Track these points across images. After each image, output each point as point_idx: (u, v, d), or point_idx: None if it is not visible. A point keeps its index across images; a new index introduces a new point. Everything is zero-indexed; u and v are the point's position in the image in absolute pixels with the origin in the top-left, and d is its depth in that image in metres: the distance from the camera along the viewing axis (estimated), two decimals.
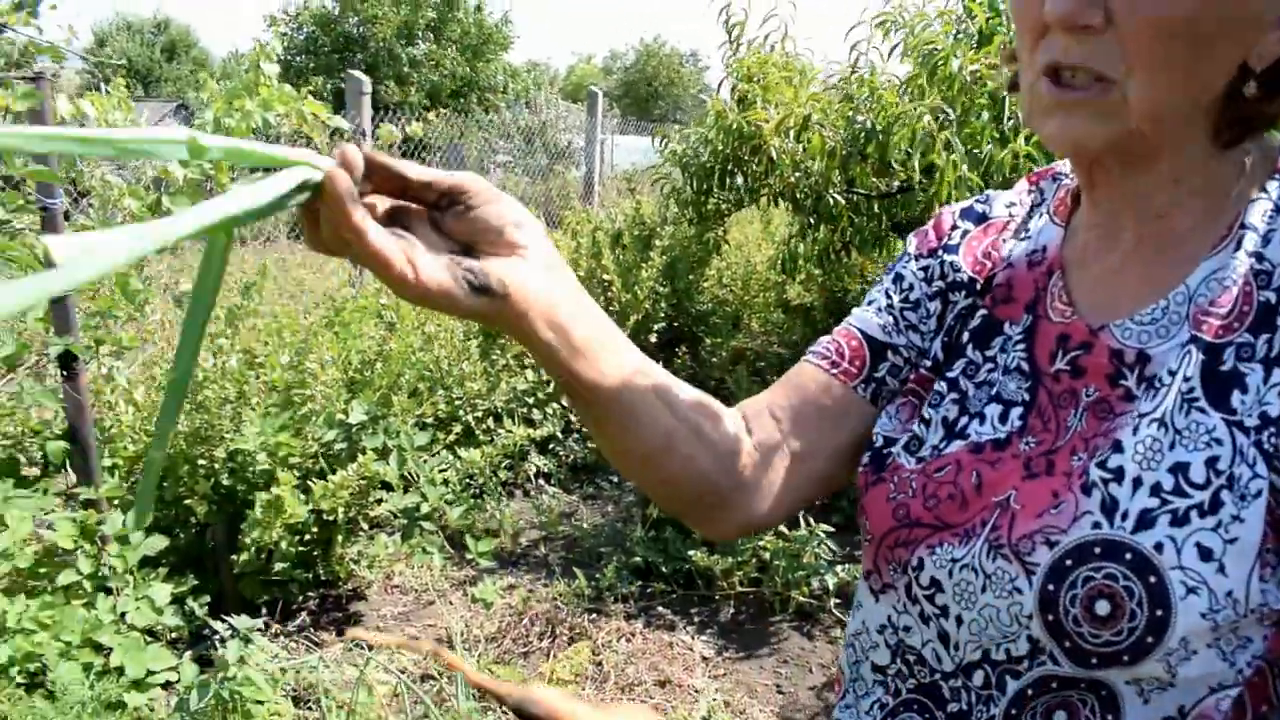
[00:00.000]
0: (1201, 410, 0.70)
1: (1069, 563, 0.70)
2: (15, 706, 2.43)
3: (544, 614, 3.28)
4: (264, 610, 3.16)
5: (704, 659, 3.17)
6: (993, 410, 0.83)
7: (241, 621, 2.63)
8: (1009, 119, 3.53)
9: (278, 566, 3.14)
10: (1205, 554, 0.67)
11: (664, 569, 3.61)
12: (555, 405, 4.57)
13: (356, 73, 5.33)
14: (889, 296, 0.96)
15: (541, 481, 4.57)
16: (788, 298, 6.21)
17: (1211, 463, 0.69)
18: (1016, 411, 0.81)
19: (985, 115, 3.58)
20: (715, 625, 3.39)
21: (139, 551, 2.86)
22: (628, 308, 5.02)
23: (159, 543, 2.91)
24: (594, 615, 3.35)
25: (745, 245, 7.21)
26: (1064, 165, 0.93)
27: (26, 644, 2.54)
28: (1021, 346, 0.84)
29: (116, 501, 3.00)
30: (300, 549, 3.17)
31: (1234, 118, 0.74)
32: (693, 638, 3.28)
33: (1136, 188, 0.78)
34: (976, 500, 0.79)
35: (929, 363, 0.92)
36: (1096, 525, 0.70)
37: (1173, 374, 0.73)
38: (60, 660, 2.57)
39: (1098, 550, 0.70)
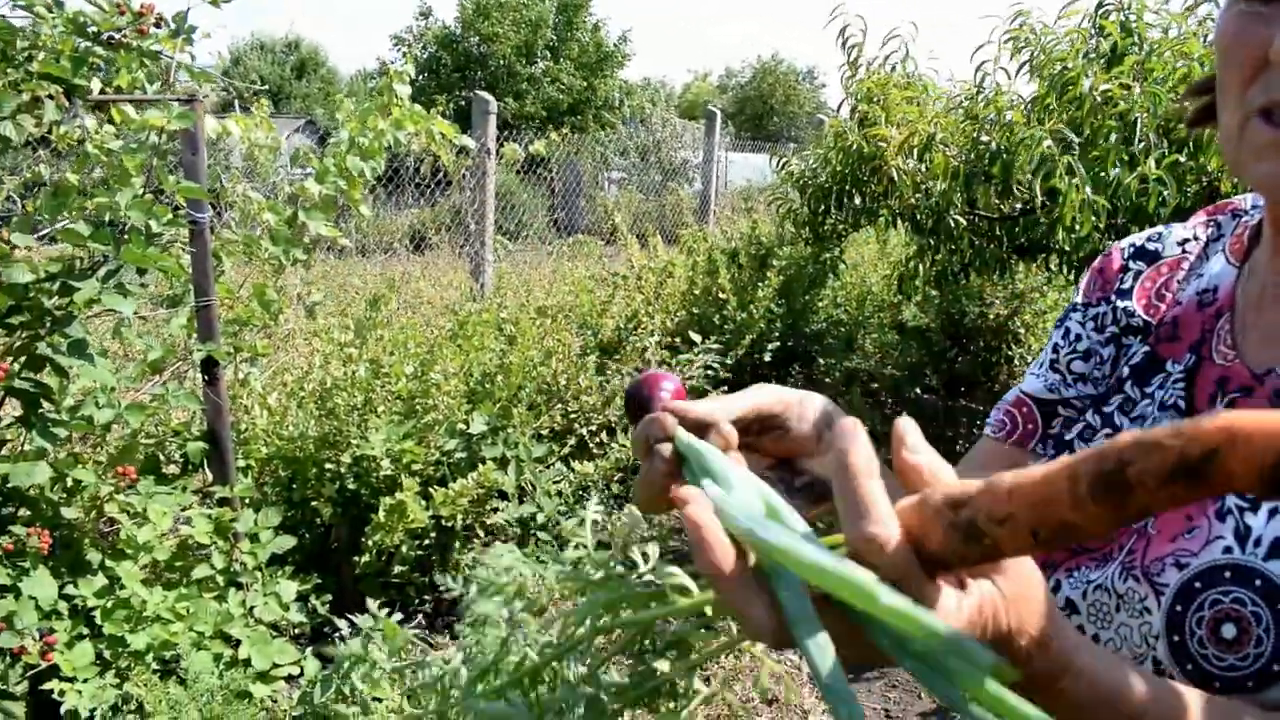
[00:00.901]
0: None
1: (1197, 585, 0.71)
2: (151, 691, 2.56)
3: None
4: (383, 611, 3.27)
5: (811, 679, 3.16)
6: None
7: (364, 620, 2.73)
8: (1139, 141, 3.44)
9: (397, 569, 3.24)
10: None
11: None
12: None
13: (482, 93, 5.49)
14: (1056, 352, 0.96)
15: None
16: (903, 319, 6.14)
17: None
18: None
19: (1113, 137, 3.50)
20: None
21: (268, 549, 3.00)
22: (743, 326, 5.04)
23: (287, 542, 3.04)
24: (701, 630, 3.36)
25: (861, 265, 7.15)
26: (1245, 200, 0.91)
27: (163, 632, 2.68)
28: (1180, 385, 0.83)
29: (248, 501, 3.14)
30: (419, 553, 3.27)
31: None
32: (801, 657, 3.27)
33: None
34: None
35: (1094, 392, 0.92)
36: (1228, 550, 0.71)
37: None
38: (193, 650, 2.71)
39: (1227, 574, 0.70)
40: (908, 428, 0.53)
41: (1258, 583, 0.69)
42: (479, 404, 3.64)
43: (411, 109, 3.74)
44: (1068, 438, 0.91)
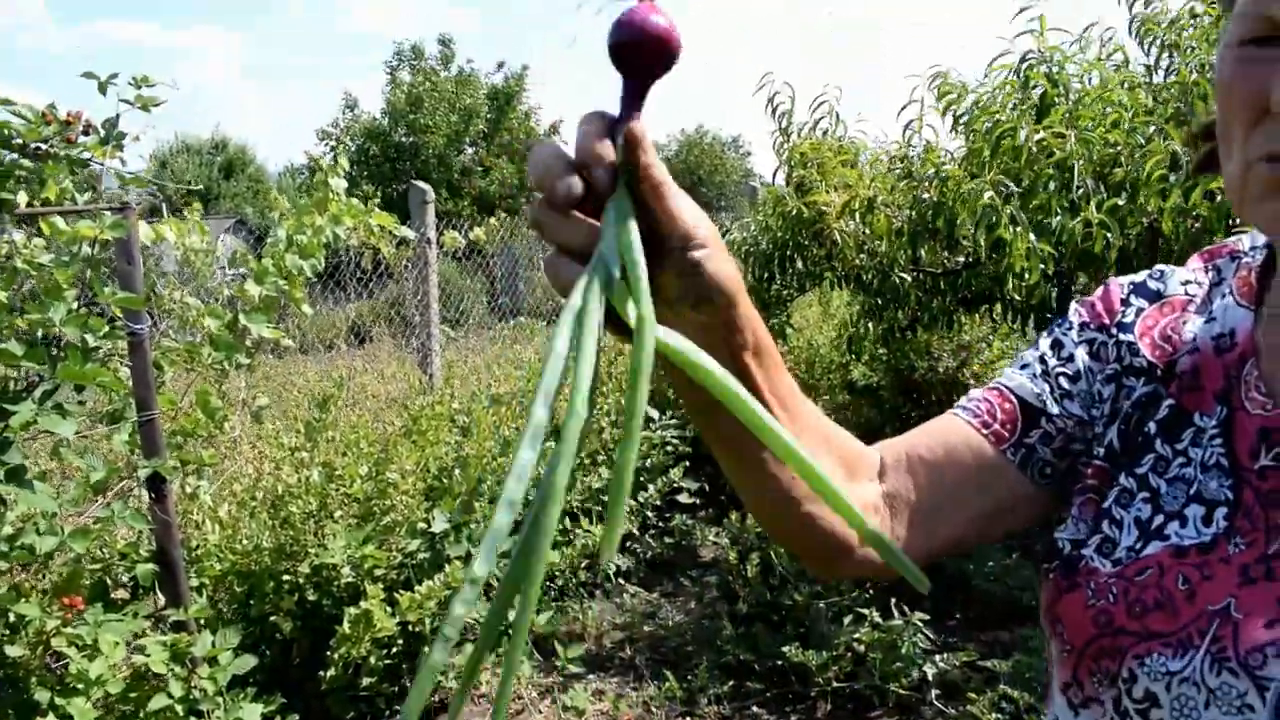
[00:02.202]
0: None
1: None
2: None
3: (636, 719, 3.19)
4: None
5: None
6: (1194, 511, 0.77)
7: None
8: (1078, 188, 3.48)
9: (365, 681, 3.09)
10: None
11: (756, 667, 3.50)
12: (631, 502, 4.52)
13: (419, 183, 5.45)
14: (1044, 362, 0.91)
15: (621, 580, 4.50)
16: (853, 378, 6.14)
17: None
18: (1221, 512, 0.76)
19: (1052, 185, 3.54)
20: None
21: (229, 672, 2.83)
22: None
23: (248, 662, 2.88)
24: (687, 718, 3.25)
25: (807, 328, 7.17)
26: (1242, 242, 0.88)
27: None
28: (1219, 441, 0.78)
29: (204, 622, 2.98)
30: (387, 662, 3.13)
31: None
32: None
33: None
34: (1188, 608, 0.73)
35: (1101, 450, 0.86)
36: None
37: None
38: None
39: None
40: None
41: None
42: (439, 501, 3.53)
43: (349, 203, 3.67)
44: (1105, 505, 0.83)
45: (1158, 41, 3.66)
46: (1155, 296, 0.89)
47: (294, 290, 3.41)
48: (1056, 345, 0.91)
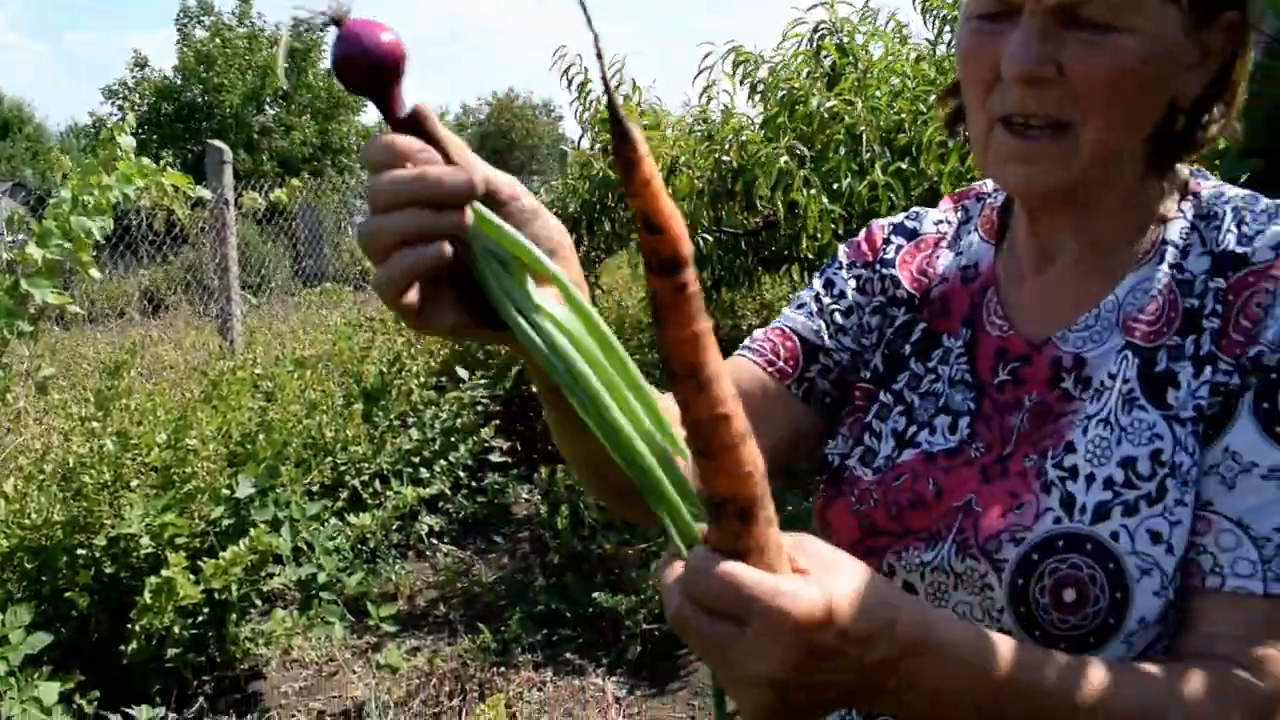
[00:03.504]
0: (1142, 408, 0.78)
1: (1035, 557, 0.77)
2: None
3: (452, 673, 3.24)
4: (158, 700, 3.04)
5: (617, 700, 3.18)
6: (942, 421, 0.89)
7: (140, 712, 2.54)
8: (866, 152, 3.69)
9: (170, 652, 3.03)
10: (1155, 537, 0.75)
11: (568, 614, 3.61)
12: (443, 462, 4.53)
13: (216, 142, 5.24)
14: (819, 301, 1.00)
15: (434, 540, 4.52)
16: None
17: (1155, 455, 0.77)
18: (964, 421, 0.88)
19: (842, 150, 3.74)
20: (625, 665, 3.40)
21: (20, 651, 2.73)
22: (509, 358, 5.03)
23: (41, 640, 2.78)
24: (502, 669, 3.32)
25: (616, 289, 7.28)
26: (987, 185, 1.00)
27: None
28: (964, 360, 0.90)
29: None
30: (193, 632, 3.07)
31: (1166, 149, 0.83)
32: (603, 680, 3.28)
33: (1079, 221, 0.86)
34: (937, 506, 0.85)
35: (868, 374, 0.96)
36: (1058, 520, 0.77)
37: (1113, 377, 0.80)
38: None
39: (1061, 543, 0.76)
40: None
41: (1089, 546, 0.75)
42: (242, 466, 3.46)
43: (139, 162, 3.52)
44: (867, 420, 0.94)
45: (939, 16, 3.88)
46: (912, 235, 1.00)
47: (80, 253, 3.26)
48: (829, 284, 1.01)
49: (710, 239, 4.41)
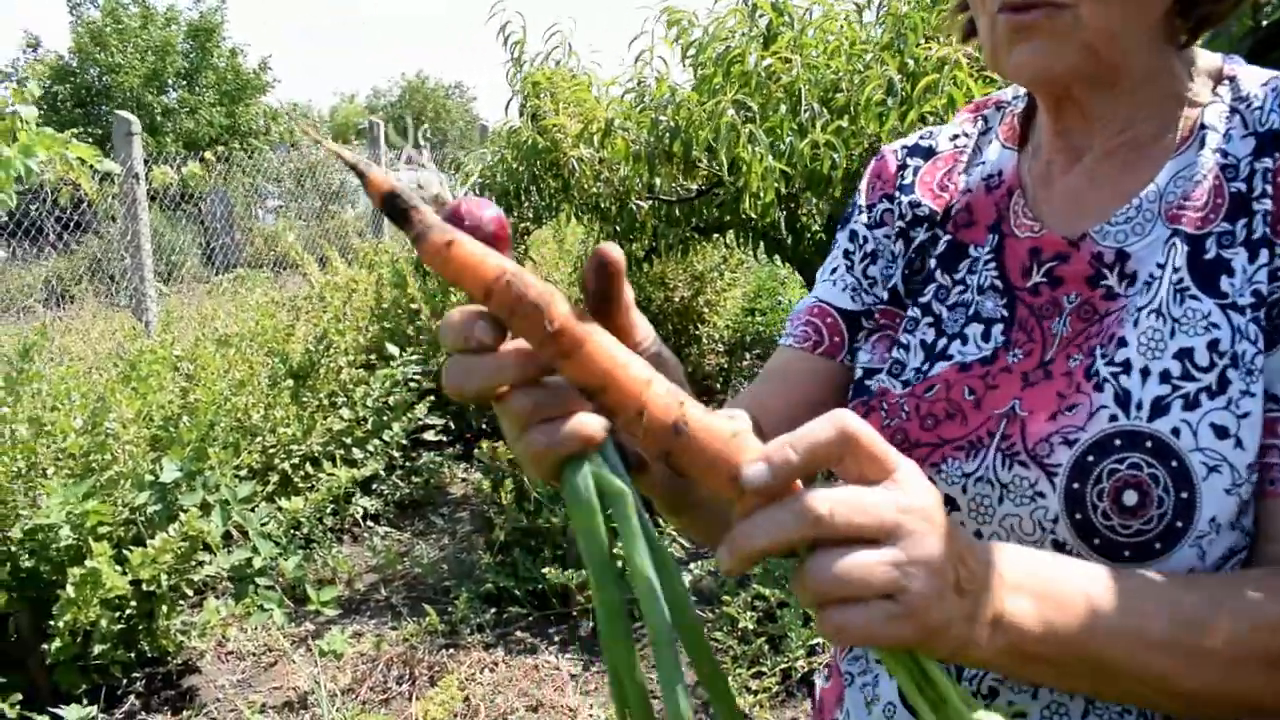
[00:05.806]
0: (1194, 297, 0.72)
1: (1091, 458, 0.70)
2: None
3: (399, 657, 3.12)
4: (85, 699, 2.86)
5: (572, 676, 3.08)
6: (973, 330, 0.83)
7: (71, 712, 2.37)
8: (805, 111, 3.63)
9: (97, 649, 2.85)
10: (1220, 432, 0.68)
11: (516, 592, 3.50)
12: (375, 442, 4.38)
13: (123, 112, 4.95)
14: (849, 258, 0.96)
15: (370, 523, 4.37)
16: None
17: (1213, 345, 0.70)
18: (998, 328, 0.82)
19: (783, 109, 3.67)
20: (577, 641, 3.31)
21: None
22: (437, 334, 4.88)
23: None
24: (451, 651, 3.21)
25: (544, 263, 7.16)
26: (1005, 93, 0.95)
27: None
28: (992, 266, 0.84)
29: None
30: (121, 626, 2.89)
31: (1187, 18, 0.78)
32: (557, 657, 3.19)
33: (1101, 109, 0.80)
34: (976, 414, 0.78)
35: (886, 294, 0.91)
36: (1114, 418, 0.71)
37: (1161, 267, 0.74)
38: None
39: (1118, 442, 0.70)
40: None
41: (1149, 444, 0.69)
42: (167, 450, 3.28)
43: (42, 131, 3.31)
44: (895, 335, 0.89)
45: None
46: (928, 153, 0.95)
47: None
48: (853, 236, 0.96)
49: (645, 206, 4.32)
